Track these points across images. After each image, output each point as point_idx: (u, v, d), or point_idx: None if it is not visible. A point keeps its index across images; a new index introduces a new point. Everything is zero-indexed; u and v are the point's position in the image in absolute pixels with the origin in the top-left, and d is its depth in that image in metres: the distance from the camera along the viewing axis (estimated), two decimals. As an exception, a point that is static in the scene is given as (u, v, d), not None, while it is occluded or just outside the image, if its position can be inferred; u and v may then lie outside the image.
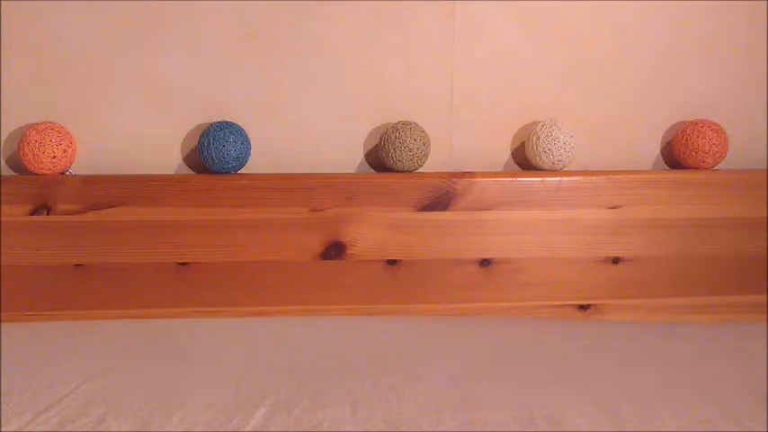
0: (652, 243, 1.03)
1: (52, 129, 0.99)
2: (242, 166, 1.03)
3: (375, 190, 1.00)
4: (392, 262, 1.02)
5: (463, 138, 1.09)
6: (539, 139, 1.04)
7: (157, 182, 0.99)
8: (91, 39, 1.03)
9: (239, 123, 1.03)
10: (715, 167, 1.08)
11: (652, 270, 1.04)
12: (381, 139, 1.04)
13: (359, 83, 1.07)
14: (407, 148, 1.02)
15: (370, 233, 1.01)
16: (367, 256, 1.01)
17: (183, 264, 1.00)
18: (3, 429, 0.64)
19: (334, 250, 1.01)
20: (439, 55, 1.07)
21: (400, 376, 0.74)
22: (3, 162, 1.04)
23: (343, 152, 1.08)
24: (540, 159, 1.04)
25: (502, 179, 1.02)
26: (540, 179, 1.02)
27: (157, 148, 1.05)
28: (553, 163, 1.04)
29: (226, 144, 0.99)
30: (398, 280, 1.02)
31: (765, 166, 1.11)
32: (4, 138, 1.04)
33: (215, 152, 0.99)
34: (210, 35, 1.04)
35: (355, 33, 1.06)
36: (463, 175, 1.01)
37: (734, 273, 1.05)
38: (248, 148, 1.02)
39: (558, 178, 1.02)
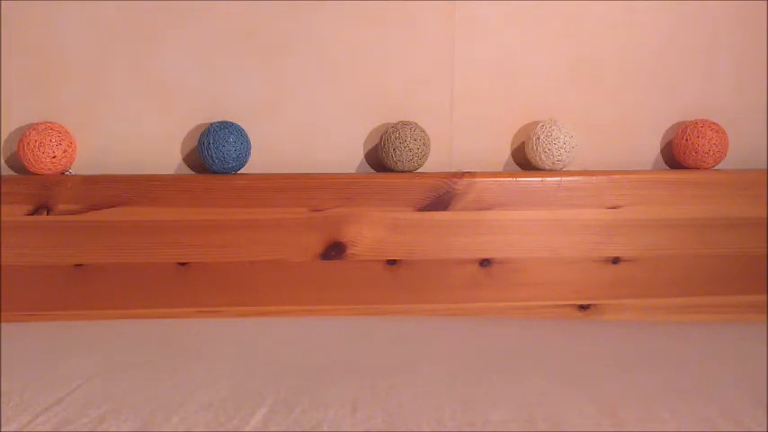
0: (652, 243, 1.03)
1: (52, 129, 0.99)
2: (242, 166, 1.03)
3: (375, 190, 1.00)
4: (392, 262, 1.02)
5: (463, 138, 1.09)
6: (539, 139, 1.04)
7: (157, 182, 0.99)
8: (91, 39, 1.03)
9: (239, 123, 1.03)
10: (715, 167, 1.08)
11: (652, 270, 1.04)
12: (381, 139, 1.04)
13: (359, 83, 1.07)
14: (407, 148, 1.02)
15: (370, 233, 1.01)
16: (367, 256, 1.01)
17: (183, 264, 1.00)
18: (3, 429, 0.64)
19: (335, 250, 1.01)
20: (439, 55, 1.07)
21: (400, 376, 0.74)
22: (3, 162, 1.04)
23: (343, 152, 1.08)
24: (540, 159, 1.04)
25: (502, 179, 1.02)
26: (540, 179, 1.02)
27: (157, 148, 1.05)
28: (553, 163, 1.04)
29: (226, 144, 0.99)
30: (398, 280, 1.02)
31: (765, 166, 1.11)
32: (4, 138, 1.04)
33: (215, 152, 0.99)
34: (210, 35, 1.04)
35: (355, 33, 1.06)
36: (463, 175, 1.01)
37: (734, 273, 1.05)
38: (248, 148, 1.02)
39: (558, 178, 1.02)
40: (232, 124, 1.02)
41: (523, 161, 1.10)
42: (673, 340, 0.90)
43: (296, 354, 0.83)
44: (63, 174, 1.01)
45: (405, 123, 1.03)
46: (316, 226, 1.00)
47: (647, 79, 1.10)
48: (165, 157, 1.06)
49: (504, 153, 1.10)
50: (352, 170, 1.09)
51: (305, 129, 1.07)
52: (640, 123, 1.11)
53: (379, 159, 1.06)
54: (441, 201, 1.01)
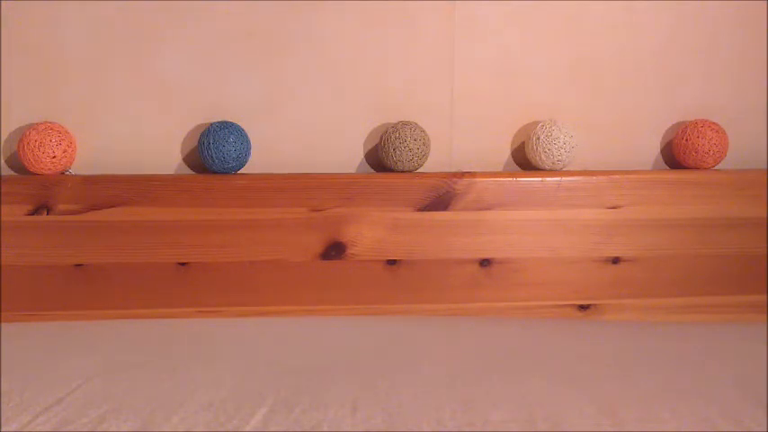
0: (652, 243, 1.03)
1: (52, 129, 0.99)
2: (242, 166, 1.03)
3: (375, 190, 1.00)
4: (392, 262, 1.02)
5: (463, 138, 1.09)
6: (539, 139, 1.04)
7: (157, 182, 0.99)
8: (91, 39, 1.03)
9: (239, 123, 1.03)
10: (715, 167, 1.08)
11: (652, 270, 1.04)
12: (381, 139, 1.04)
13: (359, 83, 1.07)
14: (407, 148, 1.02)
15: (370, 233, 1.01)
16: (367, 256, 1.01)
17: (183, 264, 1.00)
18: (3, 429, 0.64)
19: (335, 250, 1.01)
20: (439, 55, 1.07)
21: (400, 376, 0.74)
22: (3, 162, 1.04)
23: (343, 152, 1.08)
24: (540, 159, 1.04)
25: (502, 179, 1.02)
26: (540, 179, 1.02)
27: (157, 148, 1.05)
28: (553, 163, 1.04)
29: (226, 144, 0.99)
30: (398, 280, 1.02)
31: (765, 166, 1.11)
32: (4, 138, 1.04)
33: (215, 152, 0.99)
34: (210, 35, 1.04)
35: (355, 33, 1.06)
36: (463, 175, 1.01)
37: (734, 273, 1.05)
38: (248, 148, 1.02)
39: (558, 178, 1.02)
40: (232, 124, 1.02)
41: (523, 161, 1.10)
42: (673, 340, 0.90)
43: (296, 354, 0.83)
44: (63, 174, 1.01)
45: (405, 123, 1.03)
46: (316, 226, 1.00)
47: (647, 79, 1.10)
48: (165, 157, 1.06)
49: (504, 153, 1.10)
50: (352, 170, 1.09)
51: (305, 129, 1.07)
52: (640, 123, 1.11)
53: (379, 159, 1.06)
54: (441, 201, 1.01)
